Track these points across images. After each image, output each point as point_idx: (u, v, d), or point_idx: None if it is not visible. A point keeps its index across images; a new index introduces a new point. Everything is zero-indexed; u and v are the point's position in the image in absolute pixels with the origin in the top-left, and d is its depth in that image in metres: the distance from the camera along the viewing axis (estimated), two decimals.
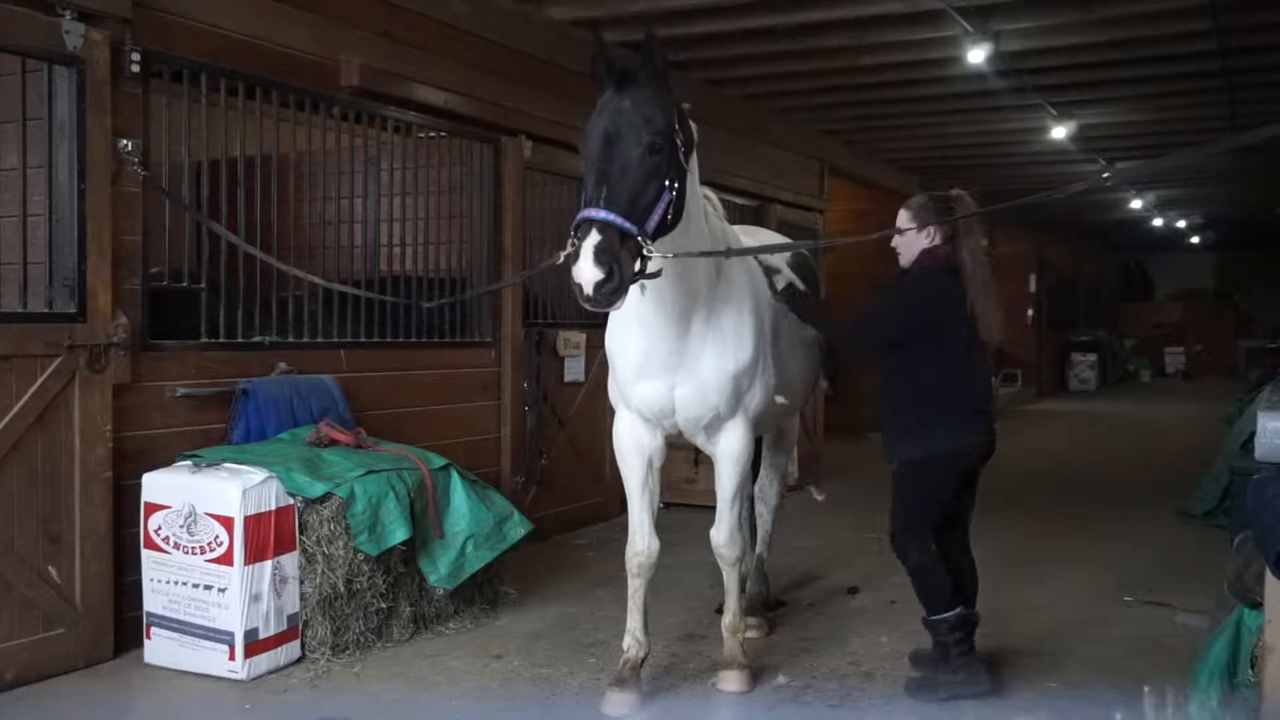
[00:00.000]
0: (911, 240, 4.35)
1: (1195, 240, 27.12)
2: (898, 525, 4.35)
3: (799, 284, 4.89)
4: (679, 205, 3.67)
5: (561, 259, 3.55)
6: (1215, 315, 27.98)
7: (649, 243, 3.49)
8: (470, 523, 5.16)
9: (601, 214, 3.37)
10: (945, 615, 4.28)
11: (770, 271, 4.65)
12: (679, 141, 3.64)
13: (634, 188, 3.47)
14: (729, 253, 4.12)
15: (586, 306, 3.40)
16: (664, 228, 3.62)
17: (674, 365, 4.12)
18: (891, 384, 4.37)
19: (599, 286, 3.28)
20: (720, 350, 4.15)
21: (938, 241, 4.31)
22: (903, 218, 4.39)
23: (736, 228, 4.89)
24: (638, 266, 3.47)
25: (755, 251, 4.45)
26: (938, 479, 4.28)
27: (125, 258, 4.72)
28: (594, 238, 3.31)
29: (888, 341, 4.33)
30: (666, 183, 3.58)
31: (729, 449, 4.32)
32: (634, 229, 3.42)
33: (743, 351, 4.21)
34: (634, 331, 4.13)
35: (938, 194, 4.46)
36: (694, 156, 3.87)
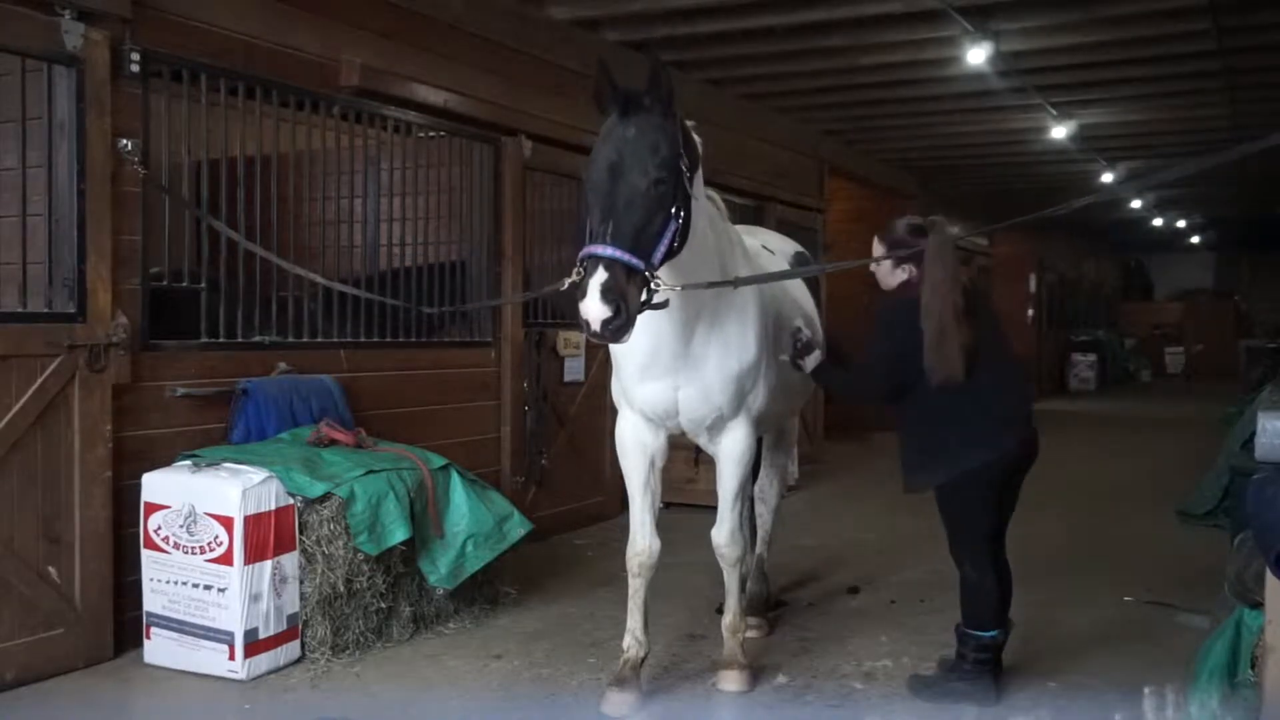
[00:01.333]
0: (889, 271, 4.31)
1: (1195, 240, 27.15)
2: (950, 539, 4.31)
3: (810, 320, 4.91)
4: (685, 230, 3.68)
5: (565, 286, 3.60)
6: (1215, 315, 27.96)
7: (656, 276, 3.54)
8: (470, 523, 5.16)
9: (608, 251, 3.38)
10: (979, 634, 4.24)
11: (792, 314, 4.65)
12: (684, 166, 3.64)
13: (639, 221, 3.47)
14: (736, 282, 4.11)
15: (593, 340, 3.44)
16: (670, 254, 3.64)
17: (678, 366, 4.12)
18: (899, 414, 4.30)
19: (606, 324, 3.33)
20: (724, 351, 4.14)
21: (914, 274, 4.23)
22: (876, 247, 4.33)
23: (738, 227, 4.89)
24: (644, 297, 3.50)
25: (760, 280, 4.40)
26: (970, 495, 4.17)
27: (125, 258, 4.72)
28: (600, 275, 3.34)
29: (892, 388, 4.23)
30: (673, 211, 3.59)
31: (731, 449, 4.32)
32: (640, 265, 3.44)
33: (746, 352, 4.20)
34: (639, 332, 4.11)
35: (915, 221, 4.36)
36: (699, 171, 3.88)
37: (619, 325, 3.36)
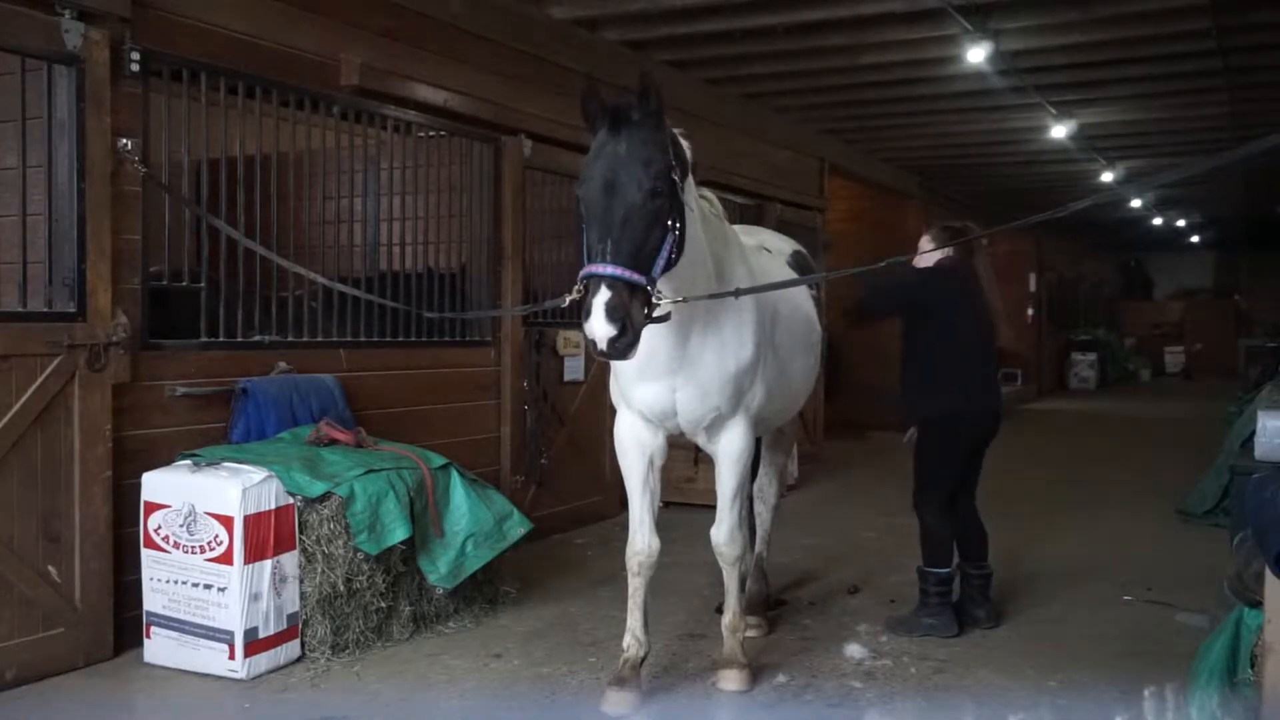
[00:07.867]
0: (930, 256, 5.26)
1: (1195, 240, 27.14)
2: (917, 489, 5.19)
3: (809, 319, 5.17)
4: (681, 240, 3.70)
5: (566, 302, 3.68)
6: (1215, 315, 27.95)
7: (657, 291, 3.56)
8: (470, 522, 5.16)
9: (610, 270, 3.41)
10: (936, 570, 5.10)
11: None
12: (676, 176, 3.65)
13: (638, 237, 3.50)
14: (738, 293, 4.11)
15: (600, 358, 3.49)
16: (669, 265, 3.66)
17: (675, 368, 4.12)
18: (903, 358, 5.31)
19: (613, 342, 3.37)
20: (721, 351, 4.15)
21: (950, 255, 5.24)
22: (925, 240, 5.33)
23: (736, 227, 4.89)
24: (647, 312, 3.52)
25: (762, 289, 4.42)
26: (943, 440, 5.11)
27: (125, 257, 4.72)
28: (604, 294, 3.37)
29: (891, 310, 5.41)
30: (669, 223, 3.61)
31: (730, 448, 4.32)
32: (642, 280, 3.47)
33: (743, 351, 4.21)
34: None
35: (950, 224, 5.47)
36: (690, 178, 3.89)
37: (626, 343, 3.40)
